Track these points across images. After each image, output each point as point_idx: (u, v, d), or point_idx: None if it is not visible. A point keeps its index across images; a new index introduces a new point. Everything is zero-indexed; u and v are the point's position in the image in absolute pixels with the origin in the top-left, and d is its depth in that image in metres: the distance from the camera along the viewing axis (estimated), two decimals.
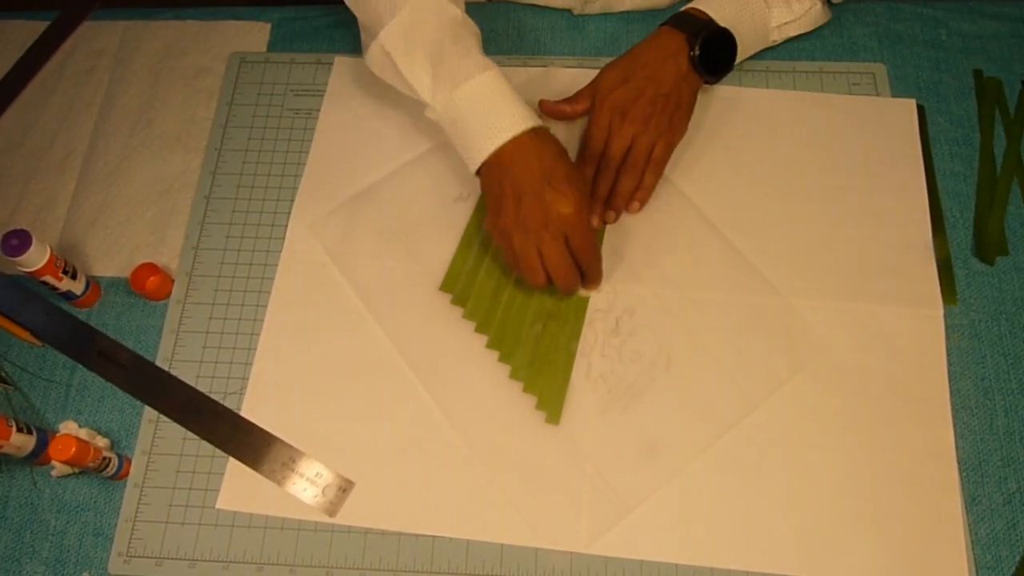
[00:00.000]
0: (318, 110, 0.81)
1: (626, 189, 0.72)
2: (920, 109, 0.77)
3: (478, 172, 0.66)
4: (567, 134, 0.77)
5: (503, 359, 0.68)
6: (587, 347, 0.69)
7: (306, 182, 0.77)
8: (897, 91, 0.79)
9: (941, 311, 0.69)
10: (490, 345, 0.69)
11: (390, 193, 0.76)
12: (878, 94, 0.78)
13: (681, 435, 0.65)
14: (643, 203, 0.73)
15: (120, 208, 0.78)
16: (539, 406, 0.67)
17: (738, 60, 0.74)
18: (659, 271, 0.71)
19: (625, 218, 0.74)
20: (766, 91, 0.79)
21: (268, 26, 0.86)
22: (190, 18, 0.87)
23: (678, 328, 0.69)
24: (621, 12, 0.84)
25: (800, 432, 0.65)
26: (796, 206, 0.73)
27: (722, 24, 0.71)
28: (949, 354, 0.68)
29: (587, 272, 0.67)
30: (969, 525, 0.63)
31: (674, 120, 0.71)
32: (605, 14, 0.84)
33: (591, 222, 0.67)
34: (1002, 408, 0.66)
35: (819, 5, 0.77)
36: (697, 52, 0.70)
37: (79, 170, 0.80)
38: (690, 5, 0.73)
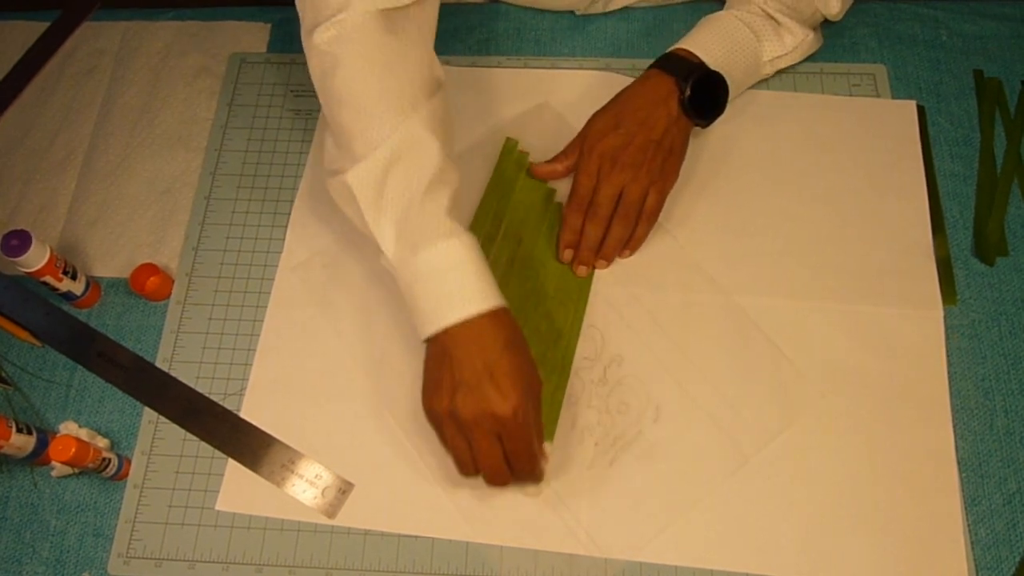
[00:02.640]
0: (318, 110, 0.81)
1: (617, 239, 0.69)
2: (920, 109, 0.77)
3: (427, 342, 0.60)
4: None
5: None
6: (573, 397, 0.67)
7: (304, 186, 0.77)
8: (897, 92, 0.79)
9: (941, 311, 0.69)
10: None
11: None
12: (878, 95, 0.78)
13: (670, 489, 0.64)
14: (634, 251, 0.71)
15: (120, 208, 0.78)
16: None
17: (731, 98, 0.72)
18: (647, 318, 0.69)
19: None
20: (766, 92, 0.79)
21: (268, 26, 0.86)
22: (190, 18, 0.87)
23: (667, 377, 0.67)
24: (622, 10, 0.84)
25: (799, 432, 0.65)
26: (796, 207, 0.73)
27: (712, 65, 0.70)
28: (949, 354, 0.68)
29: (518, 475, 0.60)
30: (969, 526, 0.63)
31: (666, 167, 0.69)
32: (606, 14, 0.84)
33: (532, 425, 0.59)
34: (1002, 408, 0.66)
35: (811, 35, 0.75)
36: (687, 95, 0.68)
37: (79, 170, 0.80)
38: (678, 45, 0.72)
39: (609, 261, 0.71)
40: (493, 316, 0.58)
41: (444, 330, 0.58)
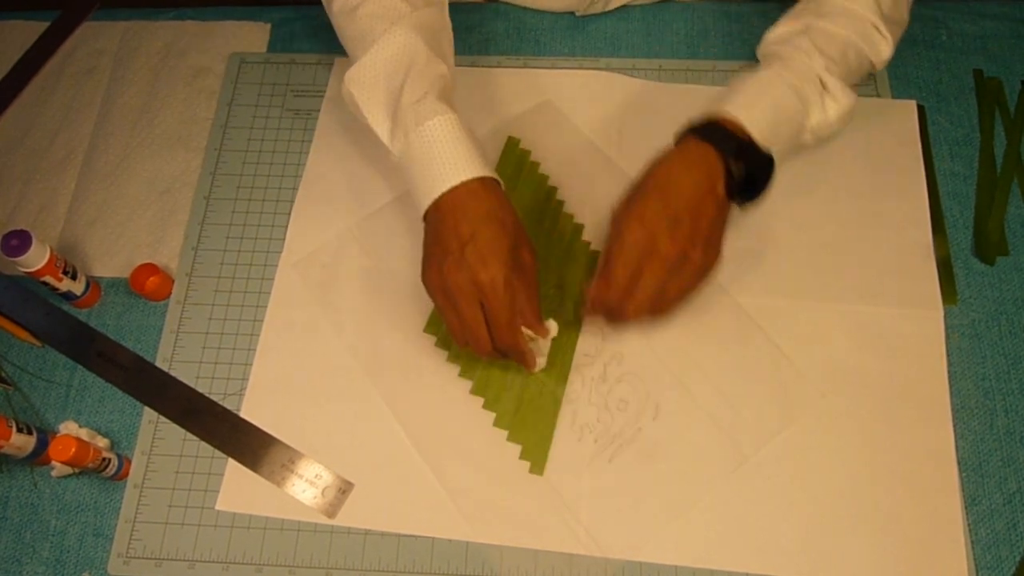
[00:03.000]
0: (318, 110, 0.81)
1: (624, 319, 0.63)
2: (920, 109, 0.77)
3: (425, 219, 0.63)
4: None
5: (487, 406, 0.67)
6: (573, 394, 0.67)
7: (304, 186, 0.77)
8: (897, 91, 0.79)
9: (941, 311, 0.69)
10: (474, 391, 0.67)
11: (378, 228, 0.74)
12: (878, 95, 0.78)
13: (670, 488, 0.64)
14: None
15: (120, 208, 0.78)
16: (523, 455, 0.65)
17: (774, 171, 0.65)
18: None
19: None
20: None
21: (268, 26, 0.86)
22: (190, 18, 0.87)
23: (667, 376, 0.67)
24: (622, 9, 0.84)
25: (800, 432, 0.65)
26: (797, 206, 0.73)
27: (760, 139, 0.62)
28: (949, 354, 0.68)
29: (499, 346, 0.61)
30: (969, 526, 0.63)
31: (708, 261, 0.62)
32: (605, 13, 0.84)
33: (516, 292, 0.59)
34: (1002, 408, 0.66)
35: (854, 102, 0.67)
36: (737, 178, 0.61)
37: (79, 170, 0.80)
38: (723, 109, 0.63)
39: (613, 329, 0.69)
40: (478, 184, 0.60)
41: (435, 203, 0.60)
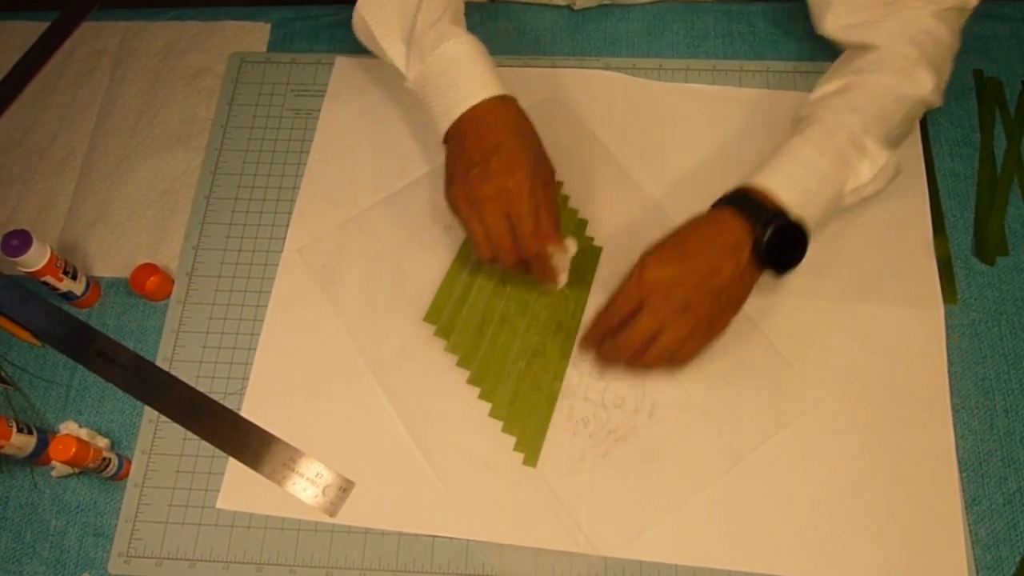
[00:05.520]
0: (318, 110, 0.81)
1: (623, 364, 0.65)
2: None
3: (446, 142, 0.65)
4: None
5: (484, 396, 0.67)
6: (570, 388, 0.67)
7: (305, 186, 0.77)
8: None
9: (942, 311, 0.69)
10: (471, 381, 0.67)
11: (381, 219, 0.75)
12: None
13: (662, 485, 0.64)
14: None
15: (120, 208, 0.78)
16: (517, 447, 0.65)
17: (812, 234, 0.63)
18: None
19: (612, 251, 0.72)
20: (767, 92, 0.79)
21: (268, 26, 0.86)
22: (190, 18, 0.87)
23: (665, 375, 0.67)
24: (621, 9, 0.84)
25: (800, 431, 0.65)
26: None
27: (794, 207, 0.61)
28: (949, 354, 0.68)
29: (524, 250, 0.62)
30: (969, 525, 0.63)
31: (716, 321, 0.62)
32: (605, 13, 0.84)
33: (540, 203, 0.61)
34: (1002, 408, 0.66)
35: (893, 159, 0.64)
36: (764, 247, 0.60)
37: (79, 170, 0.80)
38: (755, 180, 0.62)
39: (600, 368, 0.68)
40: (499, 102, 0.62)
41: (456, 122, 0.62)
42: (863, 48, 0.67)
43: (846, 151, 0.63)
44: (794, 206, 0.61)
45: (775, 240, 0.60)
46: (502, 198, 0.61)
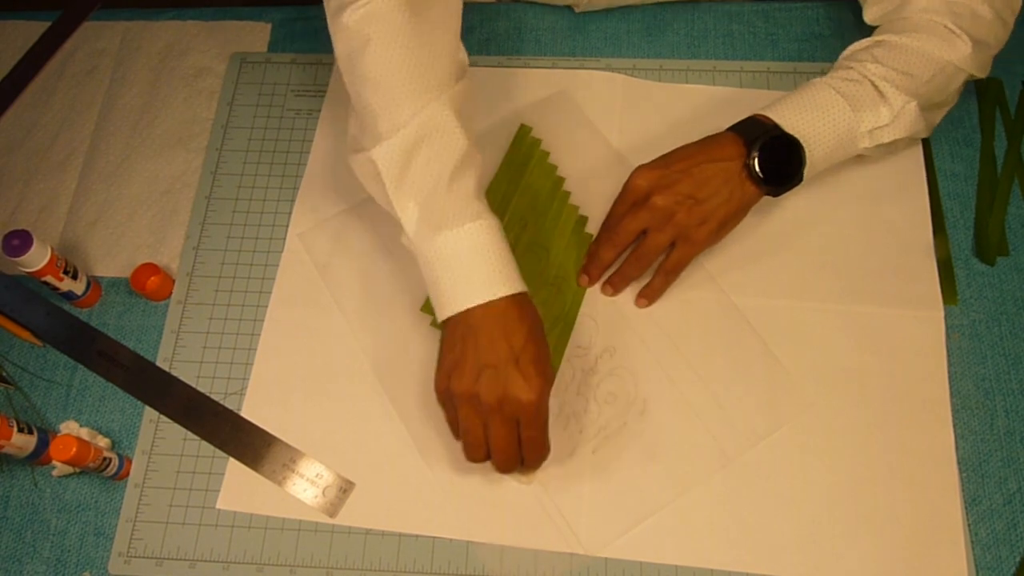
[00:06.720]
0: (318, 110, 0.81)
1: (625, 276, 0.69)
2: None
3: (441, 323, 0.60)
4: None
5: None
6: (563, 384, 0.67)
7: (305, 186, 0.77)
8: None
9: (942, 311, 0.69)
10: None
11: (380, 210, 0.74)
12: None
13: (649, 484, 0.64)
14: (651, 301, 0.69)
15: (121, 208, 0.78)
16: None
17: (817, 170, 0.66)
18: (644, 311, 0.70)
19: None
20: (766, 92, 0.79)
21: (268, 26, 0.87)
22: (191, 18, 0.87)
23: (658, 372, 0.67)
24: (622, 9, 0.84)
25: (799, 431, 0.65)
26: (797, 207, 0.73)
27: (790, 131, 0.64)
28: (949, 354, 0.68)
29: (528, 463, 0.61)
30: (969, 526, 0.63)
31: (700, 228, 0.64)
32: (606, 13, 0.84)
33: (546, 413, 0.59)
34: (1002, 408, 0.66)
35: (912, 104, 0.66)
36: (755, 158, 0.63)
37: (80, 170, 0.80)
38: (759, 111, 0.66)
39: (615, 289, 0.70)
40: (518, 301, 0.58)
41: (467, 311, 0.57)
42: (900, 20, 0.68)
43: (862, 93, 0.65)
44: (790, 127, 0.64)
45: (766, 153, 0.63)
46: (515, 411, 0.57)
